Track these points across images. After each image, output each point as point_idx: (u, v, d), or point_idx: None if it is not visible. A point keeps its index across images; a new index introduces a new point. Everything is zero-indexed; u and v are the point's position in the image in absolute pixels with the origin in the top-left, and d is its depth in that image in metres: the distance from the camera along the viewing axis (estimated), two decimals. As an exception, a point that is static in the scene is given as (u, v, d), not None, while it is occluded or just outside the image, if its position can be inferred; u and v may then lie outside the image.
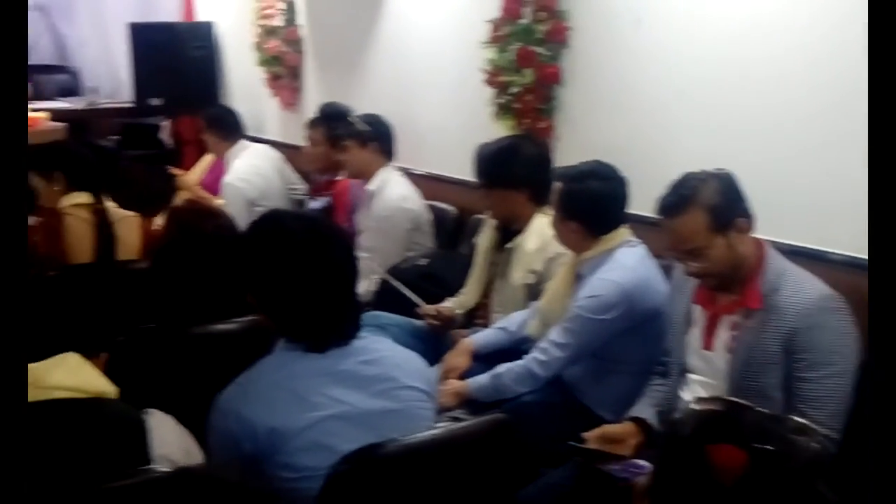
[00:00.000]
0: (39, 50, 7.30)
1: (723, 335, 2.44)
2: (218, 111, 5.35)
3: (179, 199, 5.34)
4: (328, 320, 1.93)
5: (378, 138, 4.12)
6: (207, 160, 5.46)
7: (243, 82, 6.21)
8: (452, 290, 3.54)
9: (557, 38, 3.71)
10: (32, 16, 7.15)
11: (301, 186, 5.14)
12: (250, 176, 4.96)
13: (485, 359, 3.06)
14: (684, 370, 2.56)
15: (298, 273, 1.91)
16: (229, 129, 5.19)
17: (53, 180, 3.61)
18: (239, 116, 5.34)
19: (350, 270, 1.99)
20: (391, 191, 4.08)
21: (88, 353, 1.83)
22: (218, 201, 5.04)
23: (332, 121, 4.55)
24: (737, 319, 2.39)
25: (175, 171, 5.54)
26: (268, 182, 5.02)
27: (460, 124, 4.31)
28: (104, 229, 3.54)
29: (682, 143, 3.22)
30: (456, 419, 2.40)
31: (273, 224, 2.00)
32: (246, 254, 2.01)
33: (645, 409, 2.59)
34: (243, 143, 5.17)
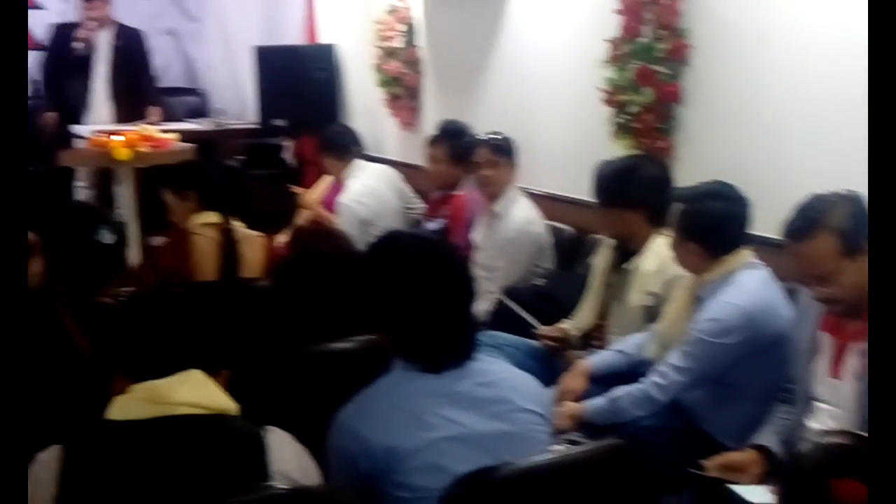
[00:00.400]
0: (170, 73, 7.57)
1: (851, 363, 2.34)
2: (333, 132, 5.43)
3: (301, 217, 5.47)
4: (444, 341, 1.95)
5: (515, 159, 4.14)
6: (328, 179, 5.56)
7: (363, 103, 6.31)
8: (568, 311, 3.51)
9: (678, 56, 3.65)
10: (164, 40, 7.43)
11: (418, 205, 5.18)
12: (365, 196, 5.01)
13: (601, 381, 3.01)
14: (810, 398, 2.47)
15: (416, 294, 1.93)
16: (345, 149, 5.26)
17: (186, 198, 3.74)
18: (355, 136, 5.42)
19: (467, 292, 2.00)
20: (516, 213, 4.07)
21: (211, 370, 1.87)
22: (337, 219, 5.13)
23: (454, 138, 4.58)
24: (866, 347, 2.29)
25: (297, 190, 5.66)
26: (382, 202, 5.07)
27: (577, 144, 4.28)
28: (230, 248, 3.64)
29: (807, 162, 3.12)
30: (572, 442, 2.38)
31: (391, 245, 2.03)
32: (365, 274, 2.04)
33: (768, 437, 2.51)
34: (360, 162, 5.24)
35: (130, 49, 6.75)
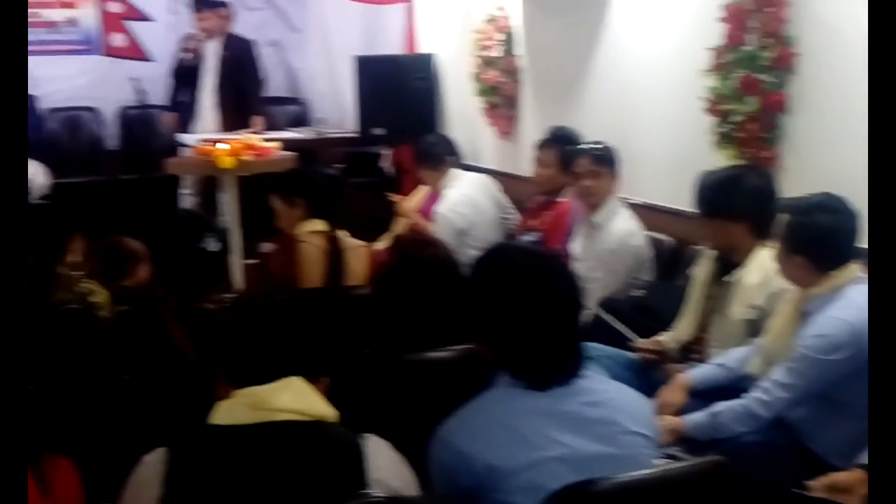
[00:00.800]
0: (273, 83, 7.72)
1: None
2: (430, 142, 5.46)
3: (398, 225, 5.52)
4: (552, 358, 1.91)
5: (617, 169, 4.10)
6: (425, 188, 5.59)
7: (461, 112, 6.33)
8: (667, 323, 3.45)
9: (784, 64, 3.56)
10: (268, 51, 7.56)
11: (514, 216, 5.17)
12: (461, 206, 5.04)
13: (701, 395, 2.95)
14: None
15: (524, 309, 1.90)
16: (441, 158, 5.28)
17: (295, 205, 3.78)
18: (452, 145, 5.43)
19: (575, 307, 1.96)
20: (617, 224, 4.02)
21: (311, 377, 1.89)
22: (434, 227, 5.15)
23: (564, 144, 4.55)
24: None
25: (395, 198, 5.71)
26: (479, 212, 5.08)
27: (678, 153, 4.21)
28: (336, 257, 3.68)
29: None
30: (671, 458, 2.33)
31: (500, 258, 2.01)
32: (472, 287, 2.02)
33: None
34: (456, 171, 5.26)
35: (239, 59, 6.93)
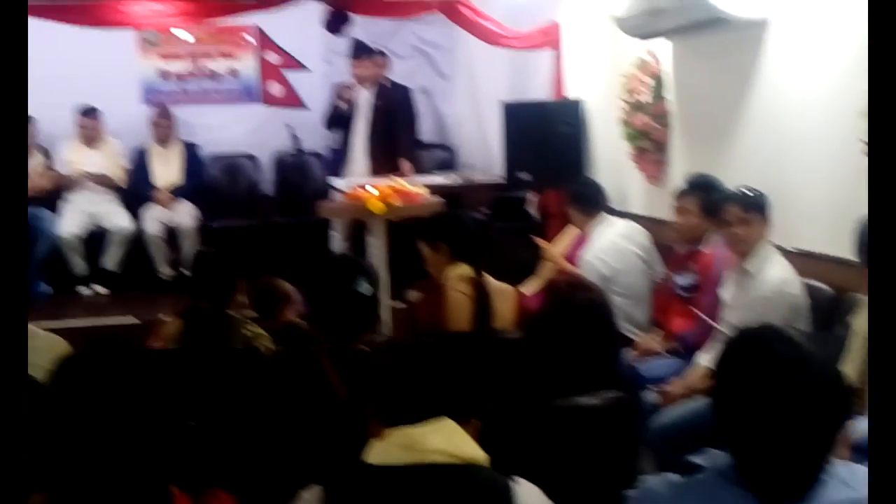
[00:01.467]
0: (423, 128, 7.89)
1: None
2: (582, 186, 5.47)
3: (544, 270, 5.52)
4: (794, 470, 1.65)
5: (767, 215, 3.98)
6: (572, 232, 5.58)
7: (608, 156, 6.30)
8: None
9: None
10: (418, 97, 7.74)
11: (659, 268, 5.10)
12: (607, 253, 5.01)
13: (864, 451, 2.82)
14: None
15: (779, 407, 1.62)
16: (592, 203, 5.28)
17: (439, 250, 3.82)
18: (602, 191, 5.42)
19: (839, 414, 1.67)
20: (771, 272, 3.90)
21: (462, 420, 1.92)
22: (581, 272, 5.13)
23: (704, 191, 4.47)
24: None
25: (541, 242, 5.72)
26: (624, 259, 5.04)
27: (837, 198, 4.07)
28: (483, 301, 3.70)
29: None
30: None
31: (758, 344, 1.73)
32: (721, 370, 1.76)
33: None
34: (605, 217, 5.24)
35: (397, 104, 7.14)
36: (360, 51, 7.11)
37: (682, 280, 4.45)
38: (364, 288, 2.93)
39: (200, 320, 3.62)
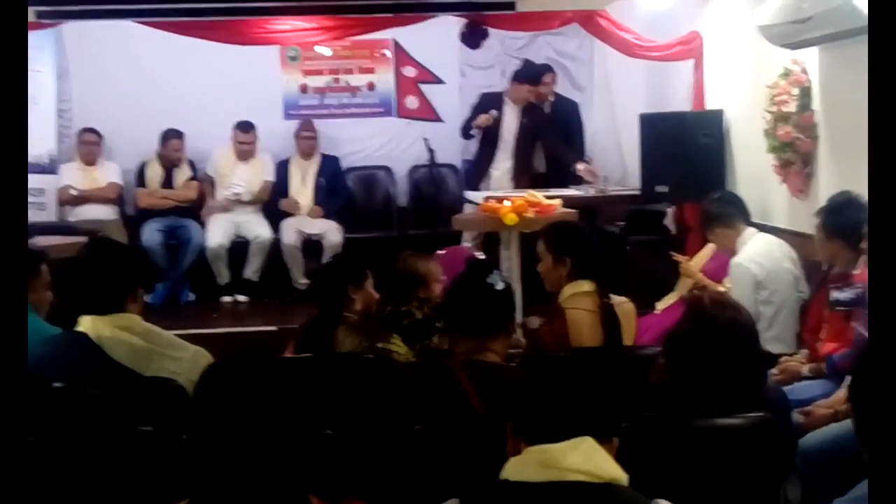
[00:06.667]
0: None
1: None
2: (722, 199, 5.33)
3: (683, 285, 5.40)
4: None
5: None
6: (711, 247, 5.45)
7: (750, 169, 6.13)
8: None
9: None
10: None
11: (804, 287, 4.93)
12: (761, 257, 4.89)
13: None
14: None
15: None
16: (733, 216, 5.16)
17: (563, 264, 3.72)
18: (744, 204, 5.29)
19: None
20: None
21: (602, 438, 1.88)
22: (720, 287, 5.00)
23: (841, 213, 4.27)
24: None
25: (679, 257, 5.60)
26: (778, 267, 4.90)
27: None
28: (609, 317, 3.62)
29: None
30: None
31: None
32: (860, 386, 1.67)
33: None
34: (750, 231, 5.11)
35: (564, 117, 7.18)
36: (527, 77, 7.12)
37: (843, 295, 4.21)
38: (498, 283, 2.95)
39: (314, 328, 3.70)
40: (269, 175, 7.70)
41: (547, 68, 7.46)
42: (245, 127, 7.58)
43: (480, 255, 5.03)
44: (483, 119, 7.10)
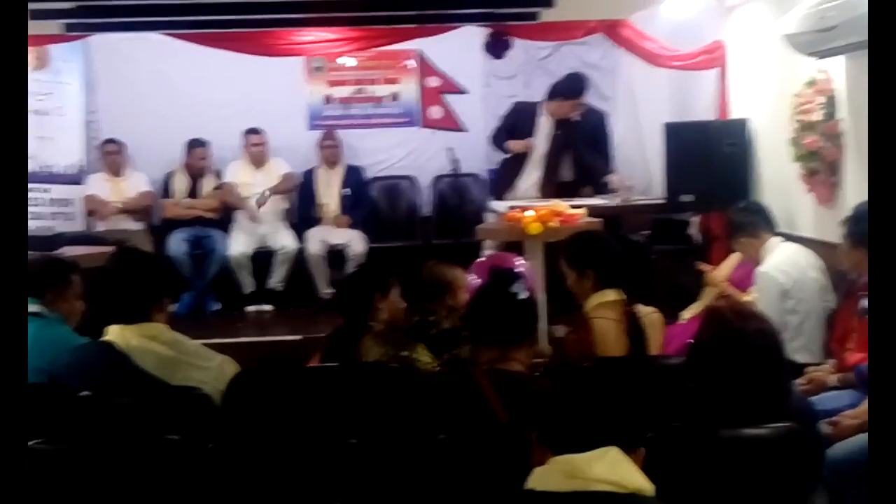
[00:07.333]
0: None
1: None
2: (747, 209, 5.32)
3: (708, 295, 5.37)
4: None
5: None
6: (736, 256, 5.43)
7: (775, 178, 6.09)
8: None
9: None
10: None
11: (831, 297, 4.90)
12: (787, 265, 4.88)
13: None
14: None
15: None
16: (758, 225, 5.14)
17: (586, 277, 3.71)
18: (769, 213, 5.26)
19: None
20: None
21: (628, 448, 1.88)
22: (746, 297, 4.97)
23: (863, 221, 4.25)
24: None
25: (703, 266, 5.57)
26: (804, 276, 4.89)
27: None
28: (634, 326, 3.61)
29: None
30: None
31: None
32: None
33: None
34: (776, 240, 5.08)
35: (590, 128, 7.18)
36: (573, 91, 7.05)
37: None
38: (521, 292, 2.96)
39: (339, 337, 3.72)
40: (286, 170, 7.77)
41: (586, 81, 7.39)
42: (253, 130, 7.69)
43: (521, 262, 5.01)
44: (520, 146, 7.08)
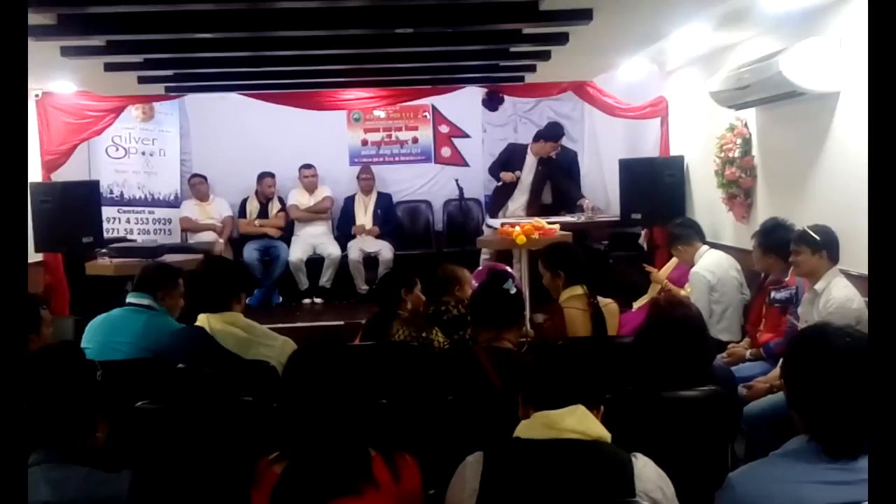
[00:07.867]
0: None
1: None
2: (683, 224, 5.31)
3: (653, 290, 5.36)
4: (849, 429, 1.67)
5: (827, 247, 3.75)
6: (674, 260, 5.41)
7: (704, 200, 6.09)
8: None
9: None
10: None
11: (747, 291, 4.90)
12: (713, 268, 4.89)
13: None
14: None
15: (837, 385, 1.67)
16: (692, 237, 5.14)
17: (558, 276, 3.74)
18: (699, 227, 5.27)
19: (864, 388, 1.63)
20: (836, 292, 3.68)
21: (591, 406, 1.88)
22: (682, 291, 4.96)
23: (769, 234, 4.26)
24: None
25: (649, 268, 5.56)
26: (726, 275, 4.89)
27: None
28: (596, 314, 3.61)
29: None
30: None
31: (818, 338, 1.76)
32: (791, 358, 1.80)
33: None
34: (705, 247, 5.08)
35: (565, 163, 7.31)
36: (553, 136, 7.19)
37: (779, 294, 4.18)
38: (512, 288, 2.97)
39: (375, 322, 3.72)
40: (328, 194, 7.84)
41: (562, 128, 7.48)
42: (307, 166, 7.79)
43: (508, 268, 5.02)
44: (510, 177, 7.16)
